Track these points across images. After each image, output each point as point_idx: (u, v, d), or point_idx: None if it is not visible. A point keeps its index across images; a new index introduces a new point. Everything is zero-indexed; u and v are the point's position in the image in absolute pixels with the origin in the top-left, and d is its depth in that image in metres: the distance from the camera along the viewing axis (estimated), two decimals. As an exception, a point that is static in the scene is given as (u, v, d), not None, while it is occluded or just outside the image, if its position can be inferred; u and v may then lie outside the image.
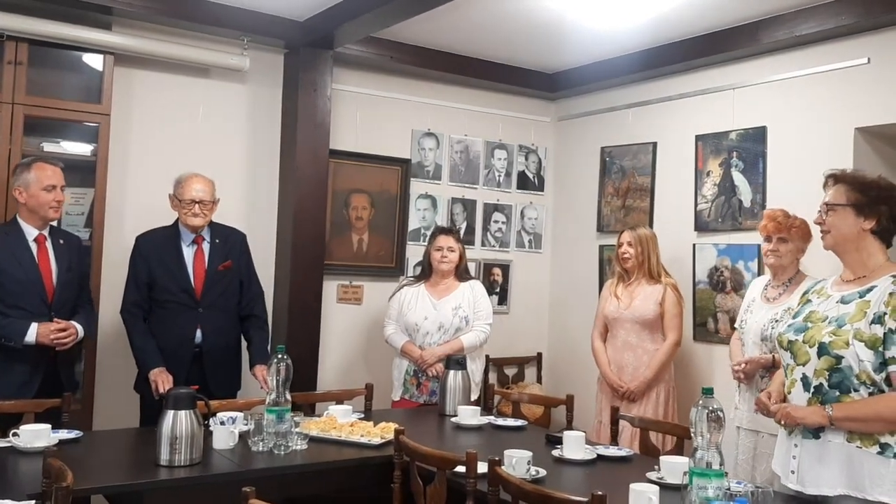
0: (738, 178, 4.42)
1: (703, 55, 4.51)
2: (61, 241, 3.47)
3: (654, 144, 4.95)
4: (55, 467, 2.18)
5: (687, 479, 2.15)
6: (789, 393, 2.44)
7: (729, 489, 2.15)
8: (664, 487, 2.42)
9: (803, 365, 2.38)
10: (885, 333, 2.26)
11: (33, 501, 2.19)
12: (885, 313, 2.27)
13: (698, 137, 4.65)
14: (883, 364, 2.26)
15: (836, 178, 2.48)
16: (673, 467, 2.58)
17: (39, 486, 2.28)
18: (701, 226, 4.59)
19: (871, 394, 2.27)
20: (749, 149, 4.38)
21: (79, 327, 3.38)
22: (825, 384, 2.33)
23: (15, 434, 2.78)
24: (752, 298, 3.70)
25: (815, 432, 2.34)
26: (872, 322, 2.28)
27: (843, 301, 2.40)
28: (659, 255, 4.29)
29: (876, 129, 3.92)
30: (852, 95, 3.94)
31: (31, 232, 3.37)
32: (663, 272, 4.27)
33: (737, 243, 4.39)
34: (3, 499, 2.17)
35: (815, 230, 2.69)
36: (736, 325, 3.82)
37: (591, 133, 5.41)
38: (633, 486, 2.27)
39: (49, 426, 2.87)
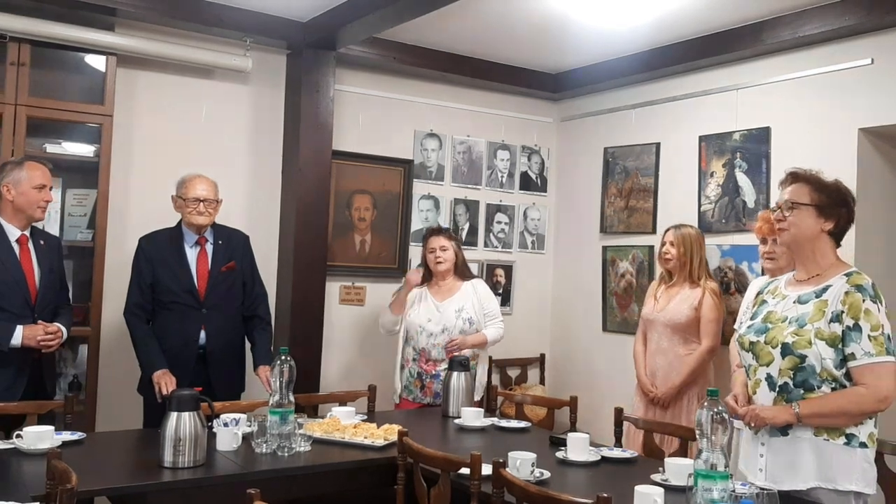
0: (742, 179, 4.41)
1: (706, 56, 4.51)
2: (42, 242, 3.42)
3: (658, 145, 4.95)
4: (59, 469, 2.18)
5: (692, 481, 2.15)
6: (754, 393, 2.51)
7: (734, 491, 2.14)
8: (669, 489, 2.41)
9: (767, 365, 2.46)
10: (843, 331, 2.36)
11: (37, 503, 2.19)
12: (842, 311, 2.37)
13: (702, 138, 4.65)
14: (843, 360, 2.37)
15: (797, 177, 2.52)
16: (678, 469, 2.58)
17: (43, 487, 2.27)
18: (705, 227, 4.57)
19: (833, 389, 2.38)
20: (753, 149, 4.37)
21: (63, 329, 3.36)
22: (790, 383, 2.42)
23: (18, 436, 2.77)
24: (750, 299, 3.67)
25: (784, 429, 2.43)
26: (831, 321, 2.38)
27: (801, 301, 2.48)
28: (703, 258, 4.15)
29: (880, 129, 3.92)
30: (856, 96, 3.93)
31: (13, 232, 3.31)
32: (705, 275, 4.12)
33: (741, 244, 4.38)
34: (6, 500, 2.16)
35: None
36: (735, 327, 3.79)
37: (595, 134, 5.41)
38: (639, 489, 2.27)
39: (52, 428, 2.87)
